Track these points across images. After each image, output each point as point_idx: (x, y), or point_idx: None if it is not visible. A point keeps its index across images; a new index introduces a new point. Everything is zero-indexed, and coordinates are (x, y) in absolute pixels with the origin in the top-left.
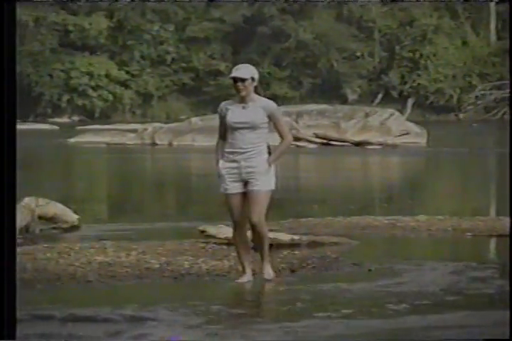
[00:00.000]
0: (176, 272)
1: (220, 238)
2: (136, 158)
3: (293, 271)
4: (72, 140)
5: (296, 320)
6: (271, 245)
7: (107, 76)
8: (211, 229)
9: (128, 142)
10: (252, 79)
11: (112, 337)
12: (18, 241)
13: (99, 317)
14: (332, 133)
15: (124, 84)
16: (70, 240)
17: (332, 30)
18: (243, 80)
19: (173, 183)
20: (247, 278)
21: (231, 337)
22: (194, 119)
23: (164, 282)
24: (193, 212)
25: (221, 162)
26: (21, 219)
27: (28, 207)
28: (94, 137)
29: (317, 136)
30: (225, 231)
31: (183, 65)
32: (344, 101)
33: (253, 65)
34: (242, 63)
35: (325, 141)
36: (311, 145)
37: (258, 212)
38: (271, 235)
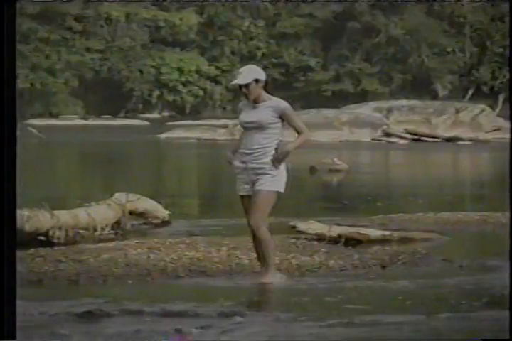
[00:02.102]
0: None
1: (310, 233)
2: (225, 153)
3: (384, 267)
4: (162, 135)
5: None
6: (360, 241)
7: (197, 72)
8: (302, 225)
9: (218, 137)
10: (256, 81)
11: (202, 332)
12: (110, 236)
13: (190, 312)
14: (423, 129)
15: (215, 80)
16: (161, 235)
17: (423, 26)
18: (246, 85)
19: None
20: (269, 279)
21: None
22: None
23: (255, 277)
24: (282, 208)
25: (235, 162)
26: (112, 214)
27: (118, 203)
28: (185, 133)
29: (408, 132)
30: (316, 226)
31: (273, 60)
32: (435, 96)
33: (343, 60)
34: (333, 59)
35: (416, 137)
36: (402, 141)
37: (255, 214)
38: (362, 231)
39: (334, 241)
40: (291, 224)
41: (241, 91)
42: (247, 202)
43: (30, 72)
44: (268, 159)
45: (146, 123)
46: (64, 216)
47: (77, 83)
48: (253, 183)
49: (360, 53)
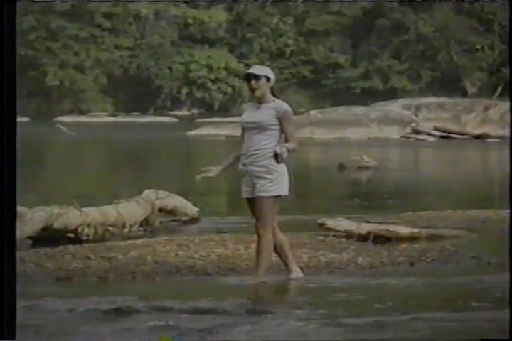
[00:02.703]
0: None
1: (339, 231)
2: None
3: (412, 264)
4: (191, 133)
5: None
6: (389, 239)
7: (226, 69)
8: (330, 222)
9: None
10: (267, 78)
11: (229, 329)
12: (139, 233)
13: (219, 309)
14: (452, 127)
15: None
16: (190, 232)
17: (452, 23)
18: (257, 78)
19: (292, 175)
20: (295, 275)
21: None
22: (313, 112)
23: (283, 275)
24: (311, 205)
25: (240, 165)
26: (141, 211)
27: (148, 200)
28: (214, 130)
29: (437, 129)
30: (344, 224)
31: (302, 57)
32: (464, 94)
33: (372, 57)
34: (362, 56)
35: (444, 134)
36: (431, 139)
37: (260, 221)
38: (391, 228)
39: (363, 238)
40: (320, 221)
41: (249, 85)
42: (251, 204)
43: (59, 69)
44: (266, 162)
45: (175, 120)
46: (93, 213)
47: (106, 80)
48: (253, 186)
49: (389, 50)
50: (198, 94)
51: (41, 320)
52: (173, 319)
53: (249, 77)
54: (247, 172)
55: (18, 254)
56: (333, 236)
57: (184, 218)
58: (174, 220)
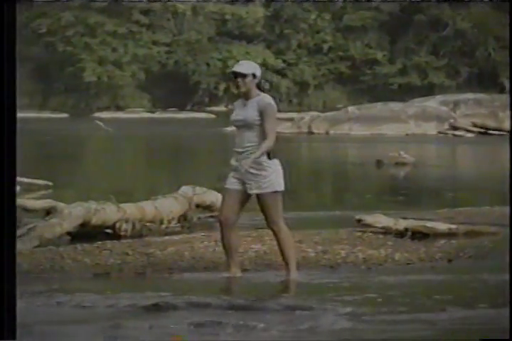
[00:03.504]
0: (332, 261)
1: (376, 227)
2: (292, 146)
3: (450, 261)
4: (228, 129)
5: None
6: (427, 235)
7: (263, 65)
8: (368, 218)
9: (285, 131)
10: (254, 75)
11: (267, 325)
12: (176, 229)
13: (255, 306)
14: (489, 123)
15: (281, 73)
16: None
17: (490, 19)
18: (243, 76)
19: (330, 172)
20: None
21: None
22: (351, 108)
23: (320, 271)
24: (349, 201)
25: (232, 160)
26: (179, 207)
27: (185, 196)
28: None
29: (475, 125)
30: (382, 220)
31: (340, 53)
32: (501, 90)
33: (410, 53)
34: (400, 52)
35: (482, 130)
36: (469, 135)
37: (271, 216)
38: (429, 224)
39: (400, 234)
40: (358, 217)
41: (234, 82)
42: (231, 196)
43: (97, 65)
44: (259, 159)
45: (212, 116)
46: (131, 209)
47: (143, 76)
48: (243, 182)
49: (426, 46)
50: (235, 90)
51: (79, 316)
52: (210, 315)
53: (235, 75)
54: (238, 167)
55: (57, 250)
56: (371, 232)
57: None
58: (212, 216)
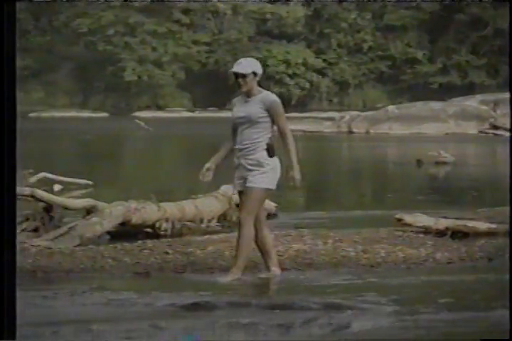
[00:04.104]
0: (372, 260)
1: (416, 226)
2: (332, 145)
3: (490, 260)
4: None
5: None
6: (467, 234)
7: (303, 64)
8: (408, 218)
9: (325, 130)
10: (254, 74)
11: (306, 325)
12: (216, 228)
13: (296, 305)
14: None
15: (321, 72)
16: (268, 228)
17: None
18: (244, 76)
19: (370, 171)
20: (272, 274)
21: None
22: (391, 107)
23: (360, 270)
24: (389, 200)
25: (235, 158)
26: (219, 206)
27: (225, 195)
28: (291, 125)
29: None
30: (422, 219)
31: (380, 53)
32: None
33: (450, 52)
34: (440, 51)
35: None
36: (509, 134)
37: (243, 211)
38: (469, 224)
39: (441, 233)
40: (398, 216)
41: (236, 82)
42: (241, 197)
43: (137, 64)
44: (258, 155)
45: None
46: (171, 208)
47: (183, 75)
48: (245, 179)
49: (467, 45)
50: (276, 89)
51: (118, 315)
52: (250, 314)
53: (236, 75)
54: (239, 165)
55: (97, 249)
56: (411, 231)
57: None
58: None
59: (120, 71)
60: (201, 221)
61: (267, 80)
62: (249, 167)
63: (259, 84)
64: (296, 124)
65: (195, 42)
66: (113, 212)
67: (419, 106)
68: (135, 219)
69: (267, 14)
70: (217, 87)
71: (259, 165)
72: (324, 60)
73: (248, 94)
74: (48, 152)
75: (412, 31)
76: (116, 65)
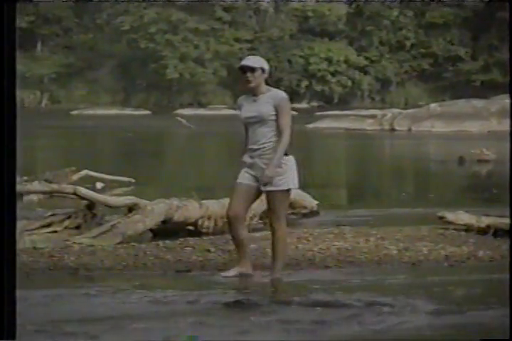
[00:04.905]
0: (414, 258)
1: (459, 224)
2: (374, 143)
3: None
4: (310, 125)
5: None
6: (509, 232)
7: (345, 62)
8: (450, 215)
9: (367, 128)
10: (262, 70)
11: (347, 322)
12: (258, 226)
13: (338, 302)
14: None
15: (363, 70)
16: (309, 225)
17: None
18: (253, 70)
19: (411, 169)
20: (233, 272)
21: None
22: (433, 105)
23: (402, 268)
24: (431, 198)
25: (244, 157)
26: (260, 204)
27: None
28: (333, 123)
29: None
30: (464, 217)
31: (422, 50)
32: None
33: (492, 50)
34: (482, 49)
35: None
36: None
37: (277, 214)
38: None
39: (483, 231)
40: (440, 214)
41: (244, 77)
42: (242, 191)
43: (179, 62)
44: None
45: (294, 113)
46: (213, 206)
47: (225, 73)
48: (257, 179)
49: (509, 43)
50: (318, 87)
51: (159, 312)
52: (291, 312)
53: (244, 69)
54: (253, 164)
55: (139, 247)
56: (453, 229)
57: (303, 211)
58: (293, 213)
59: (162, 69)
60: None
61: (308, 78)
62: (265, 166)
63: (267, 83)
64: (338, 122)
65: (237, 40)
66: (155, 210)
67: (461, 104)
68: (177, 216)
69: (308, 12)
70: None
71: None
72: (366, 58)
73: (255, 93)
74: (90, 150)
75: (454, 29)
76: (158, 63)
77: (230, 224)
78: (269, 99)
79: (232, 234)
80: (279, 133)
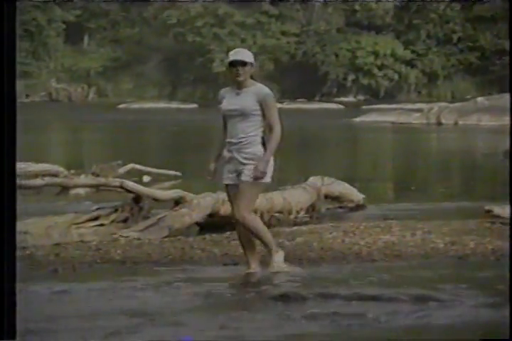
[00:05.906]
0: (460, 252)
1: (506, 218)
2: (421, 137)
3: None
4: (357, 119)
5: None
6: None
7: (392, 55)
8: (497, 209)
9: (413, 121)
10: (251, 64)
11: (390, 317)
12: (305, 219)
13: (384, 296)
14: None
15: (410, 64)
16: (356, 219)
17: None
18: (245, 64)
19: (458, 162)
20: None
21: None
22: (480, 99)
23: (449, 262)
24: (478, 192)
25: (224, 151)
26: (307, 198)
27: (314, 186)
28: (380, 116)
29: None
30: None
31: (469, 44)
32: None
33: None
34: None
35: None
36: None
37: (240, 206)
38: None
39: None
40: (487, 208)
41: (234, 70)
42: (232, 191)
43: (226, 55)
44: (253, 149)
45: (340, 106)
46: (260, 199)
47: (272, 66)
48: (238, 173)
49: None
50: (364, 81)
51: (206, 304)
52: (337, 305)
53: (235, 63)
54: (231, 158)
55: (186, 240)
56: (501, 223)
57: (350, 205)
58: (340, 207)
59: (209, 62)
60: (289, 212)
61: (355, 72)
62: (244, 161)
63: (252, 77)
64: (385, 116)
65: (284, 34)
66: (202, 203)
67: (508, 98)
68: (223, 210)
69: (356, 5)
70: (305, 78)
71: (255, 159)
72: (413, 51)
73: (240, 86)
74: (137, 143)
75: (501, 22)
76: (205, 57)
77: (237, 226)
78: (253, 94)
79: (239, 236)
80: (269, 128)
